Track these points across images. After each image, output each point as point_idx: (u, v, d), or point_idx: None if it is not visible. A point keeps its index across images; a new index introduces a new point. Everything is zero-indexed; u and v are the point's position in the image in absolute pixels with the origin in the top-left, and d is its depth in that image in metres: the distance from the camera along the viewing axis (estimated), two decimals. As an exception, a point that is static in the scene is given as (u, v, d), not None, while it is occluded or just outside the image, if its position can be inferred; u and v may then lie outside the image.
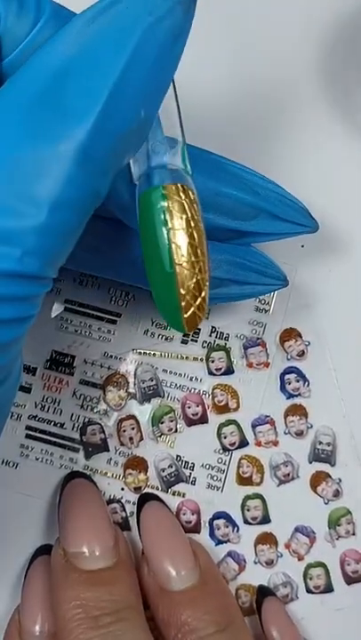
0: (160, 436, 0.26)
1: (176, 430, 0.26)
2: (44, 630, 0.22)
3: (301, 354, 0.26)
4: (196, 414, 0.26)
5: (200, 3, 0.16)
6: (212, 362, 0.26)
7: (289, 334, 0.26)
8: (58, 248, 0.15)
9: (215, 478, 0.25)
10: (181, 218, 0.17)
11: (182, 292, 0.17)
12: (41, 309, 0.16)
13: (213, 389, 0.26)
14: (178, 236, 0.17)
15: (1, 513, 0.25)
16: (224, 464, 0.26)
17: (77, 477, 0.25)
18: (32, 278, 0.14)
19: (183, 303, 0.17)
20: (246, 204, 0.21)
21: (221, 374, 0.26)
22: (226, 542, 0.25)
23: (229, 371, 0.26)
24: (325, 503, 0.25)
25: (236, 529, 0.25)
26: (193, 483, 0.25)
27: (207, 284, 0.17)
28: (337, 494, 0.25)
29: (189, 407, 0.26)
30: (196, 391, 0.26)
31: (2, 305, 0.14)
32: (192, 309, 0.17)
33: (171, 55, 0.15)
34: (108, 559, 0.22)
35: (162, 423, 0.26)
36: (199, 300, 0.17)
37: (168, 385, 0.26)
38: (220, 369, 0.26)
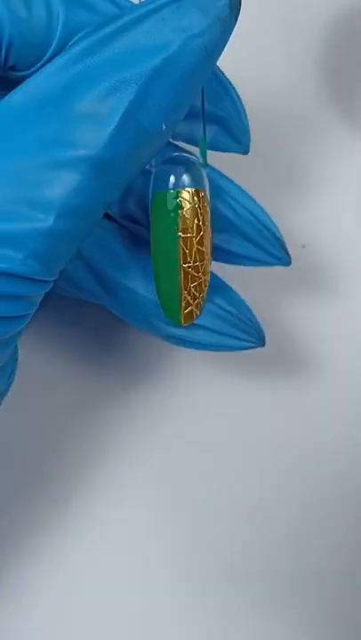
0: None
1: None
2: None
3: None
4: None
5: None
6: None
7: None
8: (61, 253, 0.15)
9: None
10: (193, 225, 0.17)
11: (185, 292, 0.18)
12: None
13: None
14: (188, 243, 0.17)
15: None
16: None
17: None
18: (33, 280, 0.15)
19: (183, 302, 0.18)
20: (220, 217, 0.20)
21: None
22: None
23: None
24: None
25: None
26: None
27: (208, 284, 0.18)
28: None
29: None
30: None
31: (2, 302, 0.15)
32: (190, 307, 0.18)
33: (200, 72, 0.15)
34: None
35: None
36: (198, 299, 0.18)
37: None
38: None
